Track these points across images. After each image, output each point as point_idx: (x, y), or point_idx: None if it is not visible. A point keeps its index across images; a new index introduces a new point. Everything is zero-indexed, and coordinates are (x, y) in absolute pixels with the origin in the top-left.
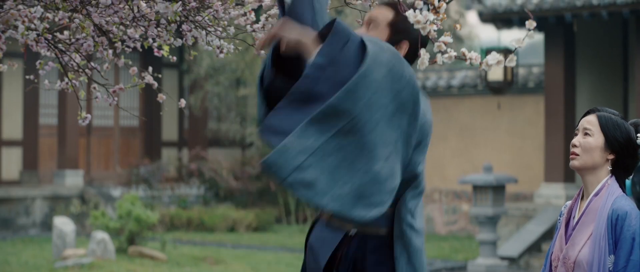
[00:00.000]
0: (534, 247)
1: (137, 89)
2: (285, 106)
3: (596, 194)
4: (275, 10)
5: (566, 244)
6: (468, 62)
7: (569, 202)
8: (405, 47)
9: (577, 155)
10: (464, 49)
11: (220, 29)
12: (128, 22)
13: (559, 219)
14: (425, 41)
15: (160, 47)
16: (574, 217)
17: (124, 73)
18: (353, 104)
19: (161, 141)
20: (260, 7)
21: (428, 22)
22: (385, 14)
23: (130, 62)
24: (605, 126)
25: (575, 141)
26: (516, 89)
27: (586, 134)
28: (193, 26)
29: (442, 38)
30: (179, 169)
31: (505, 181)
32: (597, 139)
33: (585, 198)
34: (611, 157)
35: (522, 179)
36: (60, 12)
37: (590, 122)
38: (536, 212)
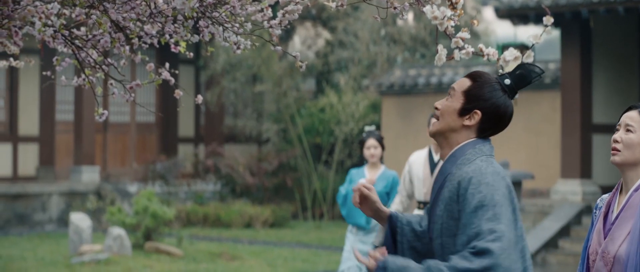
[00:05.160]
0: (551, 244)
1: (154, 85)
2: None
3: (637, 190)
4: (291, 7)
5: (605, 238)
6: (485, 58)
7: (605, 196)
8: (476, 116)
9: (619, 151)
10: (481, 45)
11: (237, 25)
12: (145, 18)
13: (595, 213)
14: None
15: (177, 44)
16: (612, 212)
17: (140, 69)
18: None
19: (177, 137)
20: (277, 3)
21: (445, 18)
22: (462, 83)
23: (147, 59)
24: None
25: (616, 136)
26: (532, 85)
27: (628, 130)
28: (210, 22)
29: (460, 34)
30: (196, 165)
31: (522, 177)
32: (639, 135)
33: (624, 193)
34: None
35: (539, 176)
36: (77, 8)
37: (632, 118)
38: (552, 208)
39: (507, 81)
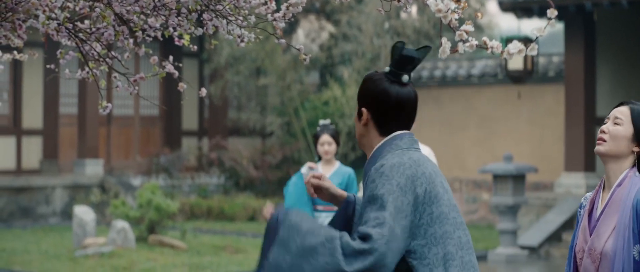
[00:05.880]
0: (554, 237)
1: (158, 78)
2: None
3: (619, 185)
4: (295, 0)
5: (590, 235)
6: (489, 50)
7: (589, 194)
8: (364, 114)
9: (604, 141)
10: (485, 38)
11: (241, 18)
12: (149, 11)
13: (580, 211)
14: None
15: (180, 36)
16: (596, 209)
17: (144, 62)
18: None
19: (181, 130)
20: None
21: (449, 11)
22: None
23: (150, 52)
24: (636, 118)
25: (604, 127)
26: (536, 78)
27: (616, 123)
28: (214, 15)
29: (464, 27)
30: (199, 158)
31: (526, 170)
32: (626, 128)
33: (607, 189)
34: (637, 149)
35: (542, 169)
36: (81, 1)
37: (622, 112)
38: (556, 201)
39: (386, 68)
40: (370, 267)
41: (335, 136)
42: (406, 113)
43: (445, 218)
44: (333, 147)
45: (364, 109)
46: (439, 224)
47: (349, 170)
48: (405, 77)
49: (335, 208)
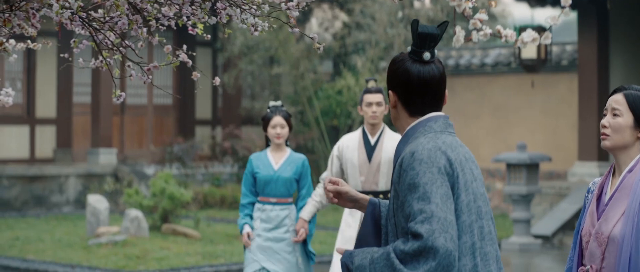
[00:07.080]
0: (568, 226)
1: (171, 67)
2: None
3: (630, 171)
4: None
5: (598, 219)
6: (503, 39)
7: (597, 179)
8: (392, 97)
9: (608, 136)
10: (499, 27)
11: (254, 6)
12: (162, 0)
13: (587, 196)
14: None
15: (194, 25)
16: (606, 193)
17: (158, 51)
18: None
19: (195, 119)
20: None
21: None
22: None
23: (164, 40)
24: (633, 104)
25: (604, 121)
26: (550, 67)
27: (615, 114)
28: (227, 4)
29: (477, 15)
30: (213, 147)
31: (539, 159)
32: (626, 118)
33: (617, 175)
34: None
35: (556, 158)
36: None
37: (618, 101)
38: (570, 190)
39: (409, 48)
40: (437, 263)
41: (288, 119)
42: (431, 91)
43: (471, 207)
44: (286, 130)
45: (391, 92)
46: (468, 212)
47: (301, 157)
48: (426, 55)
49: (289, 199)
